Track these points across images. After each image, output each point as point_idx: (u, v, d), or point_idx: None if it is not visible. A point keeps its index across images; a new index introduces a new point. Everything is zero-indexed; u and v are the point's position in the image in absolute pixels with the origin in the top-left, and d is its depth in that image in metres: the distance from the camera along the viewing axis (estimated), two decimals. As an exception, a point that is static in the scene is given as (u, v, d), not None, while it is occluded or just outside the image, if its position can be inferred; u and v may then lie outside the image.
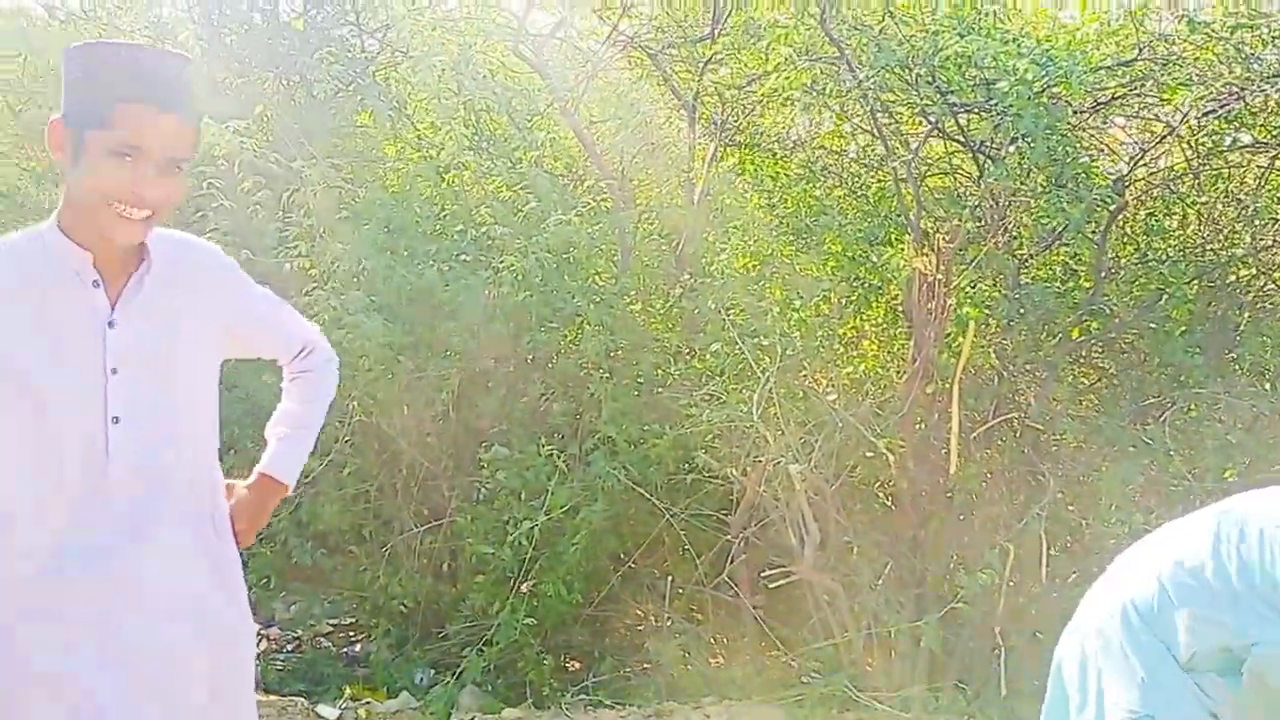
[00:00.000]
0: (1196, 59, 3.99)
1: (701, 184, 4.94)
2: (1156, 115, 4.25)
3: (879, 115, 4.36)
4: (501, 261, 4.31)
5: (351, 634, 5.15)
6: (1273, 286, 4.33)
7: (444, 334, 4.53)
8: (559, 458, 4.30)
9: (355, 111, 4.86)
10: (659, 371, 4.79)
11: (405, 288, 4.42)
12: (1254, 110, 3.95)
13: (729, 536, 4.23)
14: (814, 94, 4.42)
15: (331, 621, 5.22)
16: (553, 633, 4.48)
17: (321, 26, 5.13)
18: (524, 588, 4.31)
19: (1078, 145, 4.22)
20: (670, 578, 4.39)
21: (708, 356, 4.38)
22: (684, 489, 4.40)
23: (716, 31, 4.87)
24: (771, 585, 4.02)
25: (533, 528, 4.14)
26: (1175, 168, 4.36)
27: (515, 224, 4.47)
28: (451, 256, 4.43)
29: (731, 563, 4.22)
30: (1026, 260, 4.33)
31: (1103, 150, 4.52)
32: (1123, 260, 4.39)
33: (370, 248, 4.32)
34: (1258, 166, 4.26)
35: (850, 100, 4.43)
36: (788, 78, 4.34)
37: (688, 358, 4.72)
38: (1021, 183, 4.26)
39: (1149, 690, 1.81)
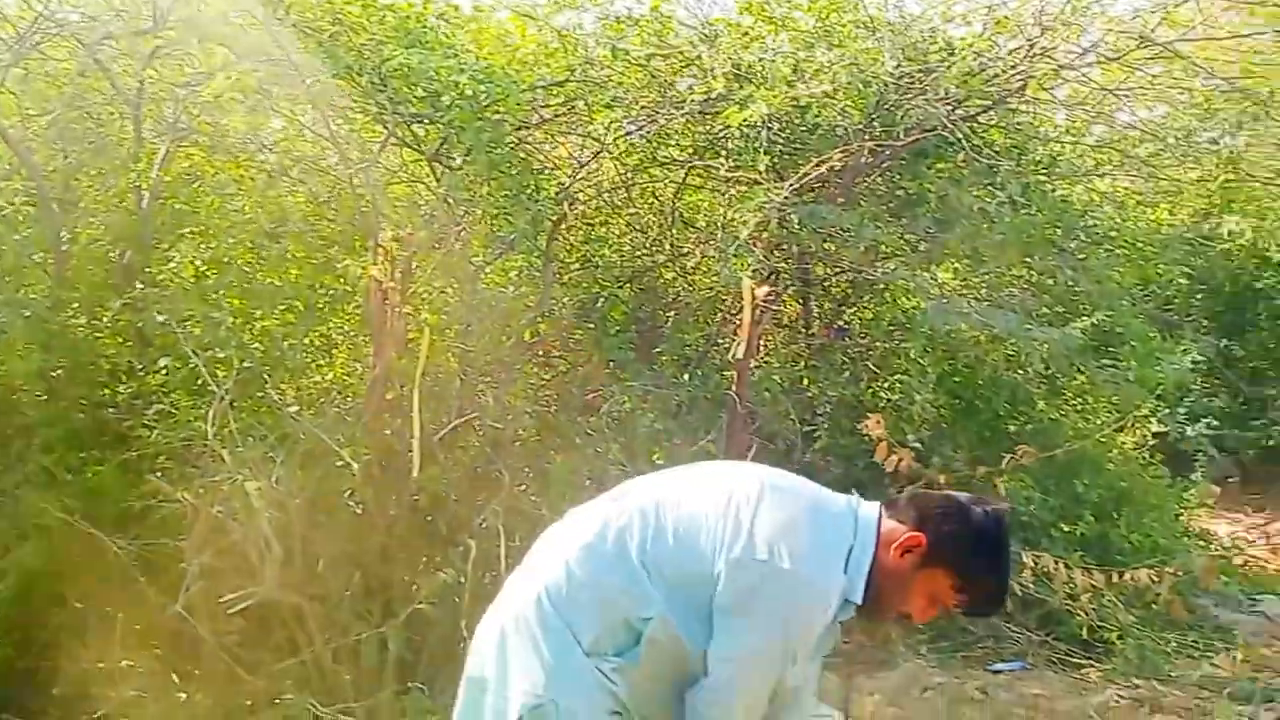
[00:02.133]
0: (620, 83, 4.40)
1: (149, 187, 4.60)
2: (589, 134, 4.63)
3: (332, 122, 4.32)
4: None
5: None
6: (688, 288, 4.90)
7: None
8: (-18, 495, 3.80)
9: None
10: (105, 391, 4.39)
11: None
12: (669, 131, 4.44)
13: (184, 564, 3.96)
14: (262, 95, 4.30)
15: None
16: (-18, 693, 3.95)
17: None
18: (-59, 646, 3.75)
19: (524, 159, 4.48)
20: (122, 615, 4.03)
21: (158, 373, 4.09)
22: (134, 517, 4.07)
23: (159, 24, 4.54)
24: (233, 610, 3.82)
25: (-53, 577, 3.62)
26: (611, 181, 4.78)
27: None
28: None
29: (187, 591, 3.96)
30: (483, 266, 4.52)
31: (550, 165, 4.84)
32: (569, 265, 4.72)
33: None
34: (673, 181, 4.79)
35: (301, 104, 4.35)
36: (232, 78, 4.17)
37: (141, 375, 4.38)
38: (475, 193, 4.45)
39: (554, 676, 1.92)
